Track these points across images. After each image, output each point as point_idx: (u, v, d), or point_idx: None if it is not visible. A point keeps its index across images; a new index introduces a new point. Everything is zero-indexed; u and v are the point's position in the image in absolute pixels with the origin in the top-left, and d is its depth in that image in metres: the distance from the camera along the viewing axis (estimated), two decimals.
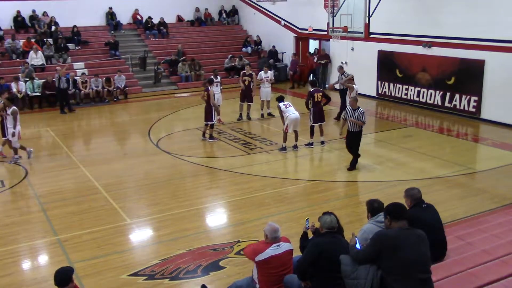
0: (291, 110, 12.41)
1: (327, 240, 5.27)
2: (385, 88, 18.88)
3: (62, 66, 18.29)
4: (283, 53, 24.26)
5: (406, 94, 18.04)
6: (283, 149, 12.56)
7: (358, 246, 5.19)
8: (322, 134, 13.04)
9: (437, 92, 16.81)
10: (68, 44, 21.77)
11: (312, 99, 12.74)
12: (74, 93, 19.17)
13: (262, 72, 16.46)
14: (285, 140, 12.56)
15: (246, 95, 15.89)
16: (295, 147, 12.68)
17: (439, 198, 9.16)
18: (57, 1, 22.89)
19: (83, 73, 19.95)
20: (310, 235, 5.97)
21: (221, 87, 15.98)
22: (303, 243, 5.84)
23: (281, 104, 12.64)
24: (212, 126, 13.75)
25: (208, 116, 13.58)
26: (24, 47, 20.60)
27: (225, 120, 15.89)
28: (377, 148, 13.27)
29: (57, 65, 19.65)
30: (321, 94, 12.87)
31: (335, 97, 15.79)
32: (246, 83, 15.79)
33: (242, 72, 16.33)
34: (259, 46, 25.21)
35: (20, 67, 19.62)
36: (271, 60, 23.11)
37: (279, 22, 24.42)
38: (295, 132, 12.58)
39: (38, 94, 18.62)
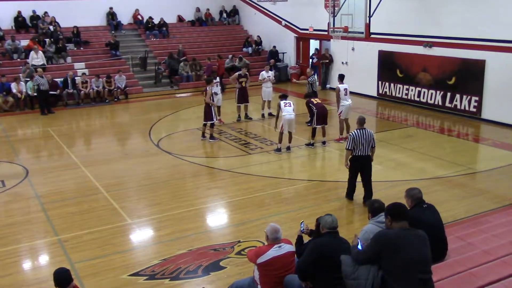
0: (288, 110, 12.41)
1: (328, 241, 5.27)
2: (386, 88, 18.87)
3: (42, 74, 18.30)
4: (283, 53, 24.27)
5: (406, 94, 18.03)
6: (278, 150, 12.57)
7: (359, 247, 5.19)
8: (324, 135, 13.06)
9: (438, 92, 16.80)
10: (68, 44, 21.81)
11: (313, 103, 12.85)
12: (73, 93, 19.19)
13: (263, 72, 16.45)
14: (280, 141, 12.56)
15: (245, 96, 15.88)
16: (288, 148, 12.66)
17: (440, 198, 9.17)
18: (58, 1, 22.91)
19: (83, 73, 19.96)
20: (306, 239, 5.96)
21: (221, 87, 15.83)
22: (299, 248, 5.81)
23: (281, 102, 12.63)
24: (212, 125, 13.74)
25: (207, 116, 13.57)
26: (28, 47, 20.57)
27: (225, 120, 15.88)
28: (378, 148, 13.04)
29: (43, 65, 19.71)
30: (317, 98, 13.39)
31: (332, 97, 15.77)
32: (243, 84, 15.77)
33: (237, 73, 16.23)
34: (260, 46, 25.21)
35: (21, 67, 19.64)
36: (272, 60, 23.08)
37: (279, 22, 24.43)
38: (289, 133, 12.57)
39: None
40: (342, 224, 5.89)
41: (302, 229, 5.98)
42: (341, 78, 13.72)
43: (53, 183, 10.83)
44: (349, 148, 9.04)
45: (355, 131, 9.06)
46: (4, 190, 10.47)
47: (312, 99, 13.07)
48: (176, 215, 9.01)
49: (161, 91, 21.38)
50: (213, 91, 14.15)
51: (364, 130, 9.03)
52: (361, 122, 9.19)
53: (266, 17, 25.28)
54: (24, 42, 21.12)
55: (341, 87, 13.41)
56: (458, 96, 16.12)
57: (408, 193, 6.21)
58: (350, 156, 9.14)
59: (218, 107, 15.50)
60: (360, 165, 9.15)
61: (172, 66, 22.09)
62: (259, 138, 14.12)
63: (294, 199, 9.72)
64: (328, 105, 16.09)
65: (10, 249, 7.86)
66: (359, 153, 9.03)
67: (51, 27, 22.27)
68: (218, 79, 15.56)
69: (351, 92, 13.97)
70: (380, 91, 19.12)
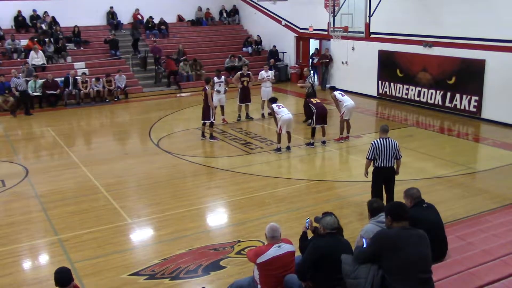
0: (284, 111, 12.41)
1: (328, 242, 5.24)
2: (386, 88, 18.87)
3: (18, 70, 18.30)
4: (283, 52, 24.27)
5: (406, 94, 18.03)
6: (278, 150, 12.57)
7: (365, 245, 5.18)
8: (324, 134, 13.07)
9: (438, 92, 16.80)
10: (68, 44, 21.82)
11: (312, 103, 12.86)
12: (74, 93, 19.19)
13: (263, 72, 16.44)
14: (279, 141, 12.56)
15: (246, 96, 15.88)
16: (288, 148, 12.66)
17: (440, 198, 9.17)
18: (58, 1, 22.92)
19: (83, 73, 19.96)
20: (310, 235, 5.97)
21: (226, 87, 15.47)
22: (302, 243, 5.83)
23: (274, 105, 12.69)
24: (212, 125, 13.73)
25: (205, 115, 13.56)
26: (27, 47, 20.57)
27: (226, 120, 15.84)
28: None
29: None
30: (316, 98, 13.43)
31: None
32: (245, 83, 15.77)
33: (239, 72, 16.25)
34: (260, 46, 25.22)
35: (21, 66, 19.63)
36: (272, 60, 23.08)
37: (279, 22, 24.43)
38: (288, 133, 12.56)
39: (39, 93, 18.63)
40: (342, 223, 5.89)
41: (307, 225, 5.99)
42: (333, 88, 14.00)
43: (53, 182, 10.83)
44: (370, 158, 8.29)
45: (378, 140, 8.28)
46: (4, 189, 10.47)
47: (311, 99, 13.09)
48: (176, 215, 9.01)
49: (161, 91, 21.38)
50: (215, 89, 14.11)
51: (387, 140, 8.25)
52: (385, 130, 8.45)
53: (266, 16, 25.27)
54: (24, 42, 21.13)
55: (336, 93, 13.50)
56: (458, 95, 16.12)
57: (407, 193, 6.22)
58: (373, 168, 8.41)
59: (222, 107, 15.48)
60: (383, 177, 8.35)
61: (135, 37, 22.67)
62: (259, 138, 14.12)
63: (294, 198, 9.71)
64: (328, 105, 16.09)
65: (10, 249, 7.86)
66: (382, 164, 8.24)
67: (44, 26, 22.21)
68: (222, 78, 15.44)
69: (351, 92, 14.00)
70: (380, 91, 19.12)
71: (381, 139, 8.29)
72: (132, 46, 23.02)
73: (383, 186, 8.47)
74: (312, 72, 23.13)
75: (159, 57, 22.09)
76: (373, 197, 8.34)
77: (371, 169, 8.55)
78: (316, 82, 16.77)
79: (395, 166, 8.41)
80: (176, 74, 21.85)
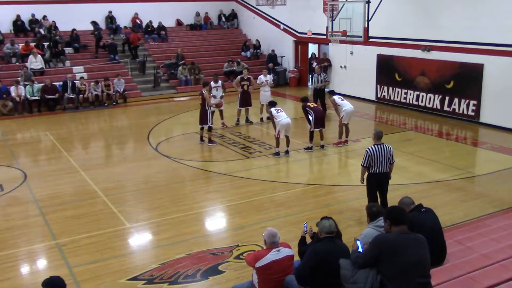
0: (283, 115, 12.41)
1: (327, 247, 5.23)
2: (384, 92, 18.89)
3: None
4: (282, 57, 24.31)
5: (405, 98, 18.05)
6: (277, 154, 12.57)
7: (360, 249, 5.18)
8: (322, 138, 13.07)
9: (436, 96, 16.83)
10: (67, 48, 21.84)
11: (309, 107, 12.84)
12: (72, 98, 19.19)
13: (262, 76, 16.46)
14: (277, 145, 12.56)
15: (246, 100, 15.88)
16: (287, 152, 12.65)
17: (438, 202, 9.17)
18: (57, 5, 22.96)
19: (81, 77, 19.96)
20: (308, 240, 5.97)
21: (223, 93, 15.56)
22: (301, 248, 5.83)
23: (272, 109, 12.70)
24: (210, 129, 13.72)
25: (203, 120, 13.56)
26: (23, 51, 20.61)
27: (225, 124, 15.84)
28: None
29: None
30: (313, 102, 13.49)
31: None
32: (245, 87, 15.78)
33: (240, 76, 16.28)
34: (258, 50, 25.25)
35: (19, 71, 19.64)
36: (270, 64, 23.12)
37: (278, 26, 24.47)
38: (287, 137, 12.56)
39: (37, 98, 18.63)
40: (341, 228, 5.89)
41: (305, 230, 5.99)
42: (332, 93, 14.04)
43: (52, 187, 10.81)
44: (365, 165, 8.20)
45: (372, 147, 8.18)
46: (2, 194, 10.45)
47: (308, 103, 13.04)
48: (174, 219, 8.99)
49: (160, 95, 21.39)
50: (211, 94, 14.11)
51: (382, 146, 8.16)
52: (379, 136, 8.32)
53: (265, 21, 25.32)
54: None
55: (335, 97, 13.52)
56: (456, 100, 16.15)
57: (400, 204, 6.19)
58: (367, 174, 8.32)
59: (221, 111, 15.47)
60: (377, 183, 8.32)
61: (97, 36, 22.70)
62: (257, 142, 14.12)
63: (293, 203, 9.71)
64: (327, 109, 16.17)
65: (8, 253, 7.84)
66: (377, 171, 8.16)
67: (42, 30, 22.23)
68: (219, 82, 15.45)
69: (349, 96, 14.00)
70: (379, 95, 19.14)
71: (375, 146, 8.20)
72: (95, 46, 22.51)
73: (377, 191, 8.45)
74: (311, 76, 23.23)
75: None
76: (369, 202, 8.32)
77: (365, 174, 8.49)
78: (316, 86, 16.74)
79: (388, 171, 8.38)
80: (137, 47, 22.37)
